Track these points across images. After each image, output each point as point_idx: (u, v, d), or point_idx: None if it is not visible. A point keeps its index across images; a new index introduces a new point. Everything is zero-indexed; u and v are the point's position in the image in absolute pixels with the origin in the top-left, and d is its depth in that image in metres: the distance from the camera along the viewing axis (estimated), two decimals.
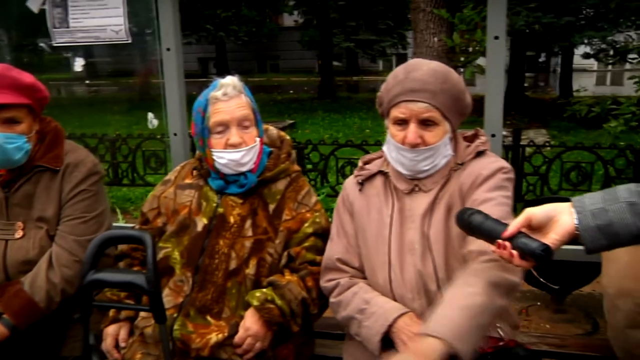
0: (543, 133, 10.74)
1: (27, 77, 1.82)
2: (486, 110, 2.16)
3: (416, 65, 1.61)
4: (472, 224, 1.33)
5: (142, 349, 1.77)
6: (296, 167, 1.92)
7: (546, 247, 1.17)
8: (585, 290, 3.79)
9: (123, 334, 1.82)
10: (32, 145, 1.89)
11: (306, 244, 1.81)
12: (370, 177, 1.77)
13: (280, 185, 1.86)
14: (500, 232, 1.24)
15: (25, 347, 1.86)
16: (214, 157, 1.77)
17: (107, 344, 1.80)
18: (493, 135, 2.16)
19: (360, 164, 1.84)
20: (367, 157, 1.86)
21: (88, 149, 6.66)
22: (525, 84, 17.96)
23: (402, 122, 1.59)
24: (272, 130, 1.98)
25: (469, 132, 1.77)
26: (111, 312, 1.83)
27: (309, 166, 5.93)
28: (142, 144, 6.27)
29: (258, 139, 1.81)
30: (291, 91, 19.79)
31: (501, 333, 1.65)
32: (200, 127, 1.78)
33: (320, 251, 1.82)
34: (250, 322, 1.70)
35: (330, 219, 1.89)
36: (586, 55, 14.03)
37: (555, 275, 3.61)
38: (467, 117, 1.68)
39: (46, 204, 1.90)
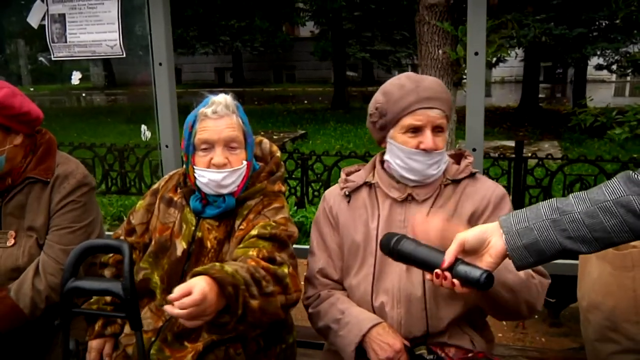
0: (555, 145, 10.67)
1: None
2: (467, 124, 2.19)
3: (418, 76, 1.69)
4: (401, 251, 1.34)
5: None
6: (276, 188, 1.81)
7: (488, 274, 1.20)
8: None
9: (107, 348, 1.83)
10: (22, 157, 1.96)
11: (242, 245, 1.66)
12: (355, 189, 1.80)
13: (252, 202, 1.77)
14: (437, 261, 1.26)
15: (11, 352, 1.92)
16: (196, 175, 1.72)
17: (92, 357, 1.83)
18: (474, 150, 2.19)
19: (343, 175, 1.86)
20: (348, 169, 1.89)
21: (97, 158, 6.69)
22: (542, 95, 17.84)
23: (415, 130, 1.64)
24: (266, 143, 1.93)
25: (452, 151, 1.83)
26: (97, 327, 1.84)
27: (313, 177, 5.97)
28: (149, 154, 6.37)
29: (245, 162, 1.73)
30: (305, 101, 19.86)
31: (474, 345, 1.69)
32: (187, 143, 1.74)
33: (261, 251, 1.61)
34: (204, 282, 1.35)
35: (289, 230, 1.74)
36: (599, 67, 13.91)
37: (552, 289, 3.60)
38: None
39: (36, 214, 1.96)
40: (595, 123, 5.13)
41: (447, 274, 1.24)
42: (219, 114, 1.69)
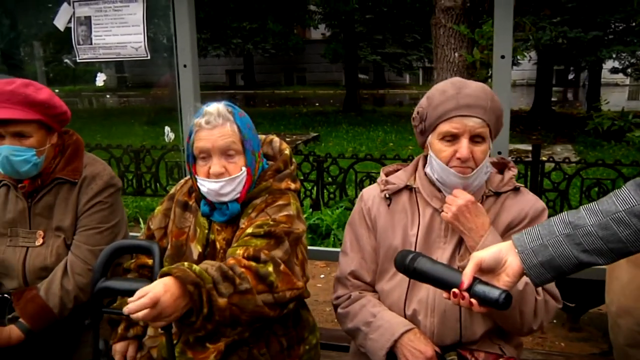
0: (569, 148, 10.61)
1: (42, 94, 1.87)
2: None
3: (463, 82, 1.62)
4: (418, 269, 1.35)
5: None
6: (283, 185, 1.79)
7: (507, 294, 1.21)
8: (603, 309, 3.74)
9: (131, 351, 1.84)
10: (51, 158, 1.97)
11: (235, 244, 1.66)
12: (395, 192, 1.75)
13: (257, 201, 1.76)
14: (455, 280, 1.27)
15: (40, 350, 1.93)
16: (198, 184, 1.73)
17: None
18: (499, 153, 2.19)
19: (382, 176, 1.80)
20: (387, 169, 1.85)
21: (113, 159, 6.72)
22: (554, 99, 17.76)
23: (452, 138, 1.58)
24: (276, 142, 1.93)
25: (494, 159, 1.79)
26: (119, 330, 1.85)
27: (328, 179, 5.97)
28: (165, 156, 6.40)
29: (244, 169, 1.72)
30: (317, 104, 19.89)
31: (503, 350, 1.68)
32: (187, 153, 1.76)
33: (250, 247, 1.60)
34: (167, 282, 1.40)
35: (292, 227, 1.72)
36: (614, 70, 13.84)
37: (571, 293, 3.57)
38: None
39: (64, 214, 1.98)
40: (613, 127, 5.09)
41: (466, 294, 1.25)
42: (212, 124, 1.69)
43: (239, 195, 1.72)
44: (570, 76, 21.29)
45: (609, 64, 14.05)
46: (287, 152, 1.88)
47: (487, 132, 1.59)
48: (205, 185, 1.70)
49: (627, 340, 1.74)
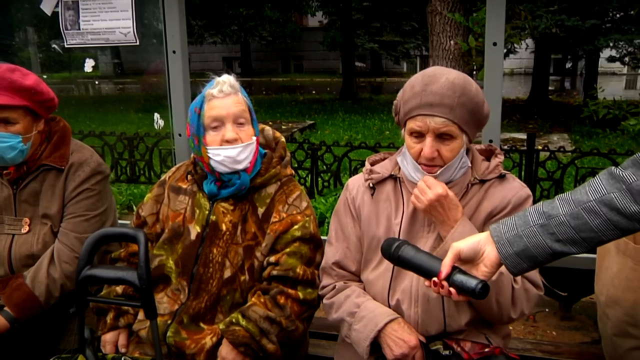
0: (565, 137, 10.59)
1: (29, 80, 1.86)
2: None
3: (434, 76, 1.54)
4: (402, 257, 1.38)
5: (139, 349, 1.82)
6: (288, 172, 1.88)
7: (483, 284, 1.24)
8: (595, 298, 3.74)
9: (122, 340, 1.83)
10: (37, 145, 1.95)
11: (288, 250, 1.77)
12: (380, 181, 1.73)
13: (271, 189, 1.83)
14: (435, 269, 1.30)
15: (25, 339, 1.92)
16: (210, 155, 1.73)
17: (107, 350, 1.82)
18: (490, 141, 2.17)
19: (367, 165, 1.79)
20: (373, 158, 1.83)
21: (107, 146, 6.68)
22: (551, 88, 17.72)
23: (418, 135, 1.55)
24: (268, 130, 1.97)
25: (482, 146, 1.77)
26: (109, 320, 1.84)
27: (323, 167, 5.95)
28: (159, 143, 6.37)
29: (254, 138, 1.78)
30: (314, 91, 19.80)
31: (490, 340, 1.67)
32: (196, 125, 1.75)
33: (304, 259, 1.78)
34: (223, 351, 1.71)
35: (315, 218, 1.88)
36: (611, 59, 13.78)
37: (563, 282, 3.57)
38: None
39: (51, 202, 1.96)
40: (608, 115, 5.07)
41: (445, 283, 1.27)
42: (225, 93, 1.75)
43: (249, 165, 1.77)
44: (568, 65, 21.20)
45: (607, 53, 13.97)
46: (283, 139, 1.95)
47: (456, 130, 1.53)
48: (222, 154, 1.72)
49: (615, 330, 1.73)
